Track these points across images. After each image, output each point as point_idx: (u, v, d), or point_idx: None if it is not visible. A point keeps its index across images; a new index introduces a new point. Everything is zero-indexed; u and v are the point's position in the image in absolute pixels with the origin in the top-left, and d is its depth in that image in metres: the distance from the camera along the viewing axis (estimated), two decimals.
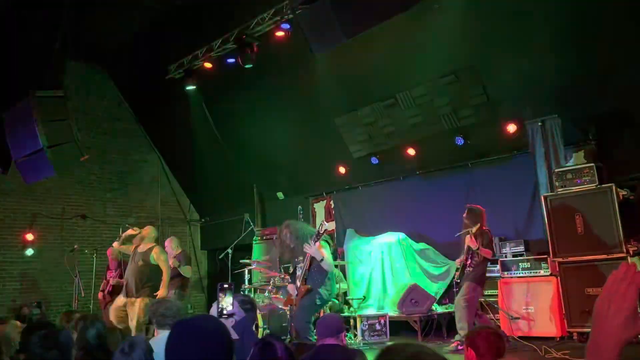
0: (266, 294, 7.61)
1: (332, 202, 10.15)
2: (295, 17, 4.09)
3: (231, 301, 2.80)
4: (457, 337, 5.97)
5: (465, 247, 6.12)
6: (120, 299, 6.75)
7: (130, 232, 7.18)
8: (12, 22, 7.02)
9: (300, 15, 3.98)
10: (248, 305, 3.13)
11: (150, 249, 6.83)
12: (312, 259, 5.03)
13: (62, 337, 2.78)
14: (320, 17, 3.78)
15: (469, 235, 6.04)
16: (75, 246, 9.00)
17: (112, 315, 6.69)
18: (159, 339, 3.43)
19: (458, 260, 6.33)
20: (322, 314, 6.76)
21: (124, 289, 6.80)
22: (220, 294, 2.82)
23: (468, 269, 6.05)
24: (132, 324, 6.40)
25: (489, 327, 2.51)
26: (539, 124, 7.13)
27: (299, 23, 4.15)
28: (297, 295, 5.06)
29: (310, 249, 4.95)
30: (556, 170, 6.54)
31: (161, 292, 6.61)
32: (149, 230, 7.14)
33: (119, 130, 11.57)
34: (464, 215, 6.27)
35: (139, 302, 6.45)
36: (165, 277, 6.72)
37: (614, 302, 1.06)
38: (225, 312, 2.79)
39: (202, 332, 1.74)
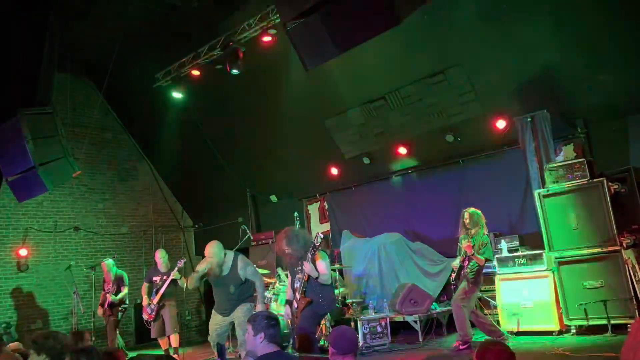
0: (265, 301, 7.62)
1: (325, 204, 10.18)
2: (287, 33, 4.09)
3: None
4: (457, 337, 6.04)
5: (463, 250, 6.17)
6: (216, 317, 5.80)
7: (198, 272, 5.82)
8: None
9: (291, 30, 3.99)
10: (273, 322, 3.19)
11: (235, 265, 5.70)
12: None
13: None
14: (311, 32, 3.79)
15: (465, 241, 6.08)
16: (71, 263, 8.92)
17: (214, 333, 5.73)
18: None
19: (454, 264, 6.37)
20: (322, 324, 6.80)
21: (221, 311, 5.76)
22: None
23: (465, 270, 6.11)
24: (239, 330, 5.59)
25: (501, 343, 2.52)
26: (529, 119, 7.22)
27: (290, 38, 4.15)
28: (297, 307, 5.08)
29: (307, 267, 4.95)
30: (548, 166, 6.63)
31: (259, 308, 5.66)
32: (216, 255, 5.69)
33: (108, 140, 11.49)
34: (465, 219, 6.23)
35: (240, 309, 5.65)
36: (260, 289, 5.71)
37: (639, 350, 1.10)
38: None
39: None
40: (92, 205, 11.00)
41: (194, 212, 12.55)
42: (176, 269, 7.46)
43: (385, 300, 7.71)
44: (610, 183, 6.12)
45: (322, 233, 5.16)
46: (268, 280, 8.28)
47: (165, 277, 7.56)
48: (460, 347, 5.86)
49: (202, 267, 5.78)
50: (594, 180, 6.17)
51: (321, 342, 6.51)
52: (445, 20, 7.10)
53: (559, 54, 6.80)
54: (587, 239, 6.08)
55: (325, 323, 6.82)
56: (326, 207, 10.17)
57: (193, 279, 5.90)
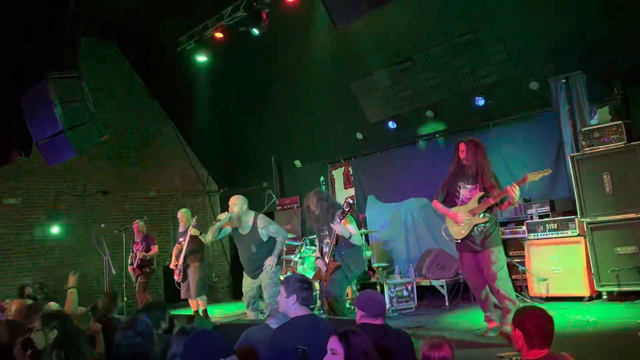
0: (292, 264, 7.68)
1: (350, 169, 10.11)
2: None
3: None
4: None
5: (482, 207, 5.06)
6: (246, 279, 6.03)
7: (219, 221, 5.96)
8: (21, 3, 6.90)
9: None
10: (306, 285, 3.20)
11: (255, 225, 5.81)
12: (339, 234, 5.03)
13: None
14: None
15: (491, 198, 5.04)
16: (102, 225, 9.09)
17: (247, 295, 5.99)
18: None
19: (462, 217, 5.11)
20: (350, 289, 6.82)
21: (249, 272, 5.99)
22: None
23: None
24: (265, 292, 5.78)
25: (539, 308, 2.47)
26: (563, 80, 6.96)
27: None
28: (326, 271, 5.08)
29: (337, 227, 4.94)
30: (582, 129, 6.42)
31: (270, 260, 5.73)
32: (238, 204, 5.89)
33: (134, 105, 11.54)
34: (468, 149, 5.20)
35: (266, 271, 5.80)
36: (279, 245, 5.82)
37: None
38: None
39: None
40: (119, 169, 11.15)
41: (220, 177, 12.63)
42: (191, 226, 7.52)
43: (411, 264, 7.70)
44: None
45: (351, 200, 5.09)
46: (294, 244, 8.33)
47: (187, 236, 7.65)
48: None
49: (223, 216, 5.91)
50: (631, 143, 5.97)
51: (347, 305, 6.55)
52: None
53: (596, 11, 6.48)
54: (621, 204, 5.92)
55: (352, 287, 6.85)
56: (351, 172, 10.10)
57: (213, 229, 6.05)
